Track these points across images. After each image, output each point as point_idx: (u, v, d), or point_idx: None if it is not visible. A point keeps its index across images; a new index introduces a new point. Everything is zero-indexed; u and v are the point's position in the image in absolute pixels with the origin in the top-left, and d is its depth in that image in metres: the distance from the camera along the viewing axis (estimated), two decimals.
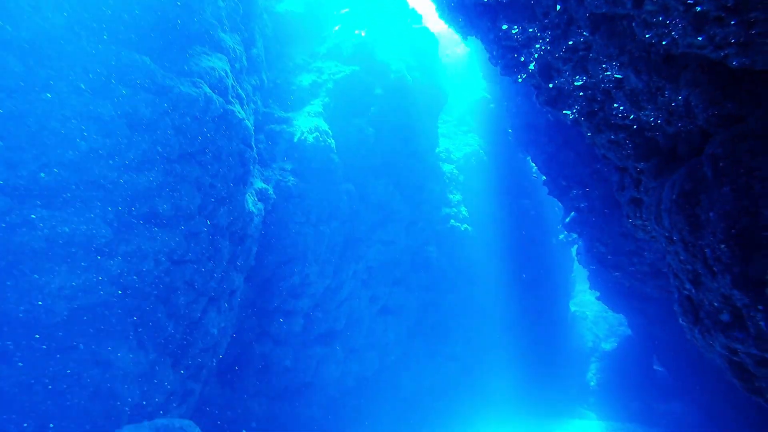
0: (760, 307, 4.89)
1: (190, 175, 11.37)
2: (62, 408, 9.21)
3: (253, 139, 13.79)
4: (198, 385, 12.26)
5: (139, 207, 10.33)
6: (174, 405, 11.31)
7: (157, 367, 10.77)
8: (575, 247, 25.38)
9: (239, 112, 12.89)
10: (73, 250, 9.11)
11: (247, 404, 14.75)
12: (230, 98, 12.66)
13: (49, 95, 8.89)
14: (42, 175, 8.82)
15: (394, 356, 19.52)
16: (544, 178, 18.50)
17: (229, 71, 12.78)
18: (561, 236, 27.84)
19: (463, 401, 20.49)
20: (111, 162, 9.68)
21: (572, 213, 17.50)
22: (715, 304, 5.71)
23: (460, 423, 19.30)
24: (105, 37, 9.86)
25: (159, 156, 10.63)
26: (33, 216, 8.65)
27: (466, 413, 20.02)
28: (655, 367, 24.21)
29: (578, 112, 9.48)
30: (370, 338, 18.54)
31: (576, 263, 26.38)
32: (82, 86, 9.36)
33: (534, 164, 21.26)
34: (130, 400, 10.09)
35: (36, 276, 8.71)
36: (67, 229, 8.91)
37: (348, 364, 17.42)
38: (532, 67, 10.36)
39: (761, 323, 4.94)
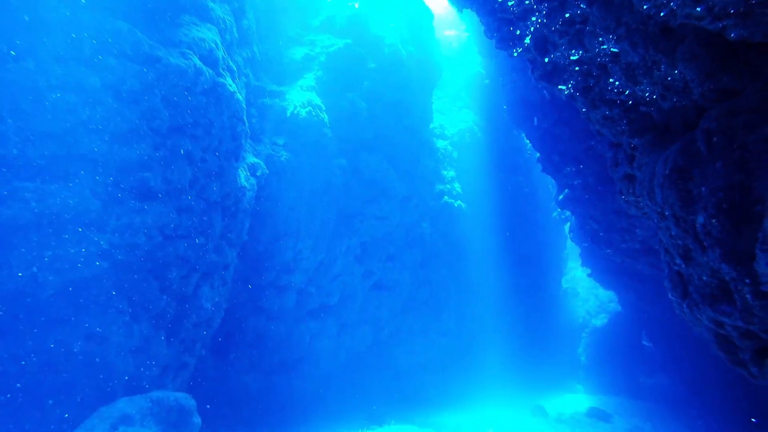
0: (747, 280, 4.94)
1: (181, 149, 11.22)
2: (57, 382, 9.26)
3: (245, 113, 13.58)
4: (192, 359, 12.36)
5: (130, 181, 10.20)
6: (169, 379, 11.42)
7: (151, 341, 10.82)
8: (568, 224, 25.51)
9: (230, 85, 12.66)
10: (63, 224, 9.02)
11: (241, 378, 14.93)
12: (221, 71, 12.41)
13: (30, 64, 8.65)
14: (26, 147, 8.66)
15: (388, 331, 19.73)
16: (538, 155, 18.45)
17: (219, 43, 12.50)
18: (554, 213, 27.95)
19: (455, 376, 20.81)
20: (99, 134, 9.51)
21: (566, 190, 17.52)
22: (704, 278, 5.77)
23: (452, 397, 19.64)
24: (87, 3, 9.56)
25: (148, 129, 10.45)
26: (19, 189, 8.53)
27: (458, 388, 20.35)
28: (644, 342, 24.69)
29: (573, 87, 9.39)
30: (364, 313, 18.71)
31: (568, 240, 26.53)
32: (65, 55, 9.10)
33: (528, 141, 21.18)
34: (124, 373, 10.16)
35: (24, 250, 8.64)
36: (55, 202, 8.80)
37: (341, 339, 17.60)
38: (528, 41, 10.21)
39: (748, 296, 5.00)
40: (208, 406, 12.65)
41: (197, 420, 10.32)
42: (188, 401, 10.27)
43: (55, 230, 8.95)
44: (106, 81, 9.65)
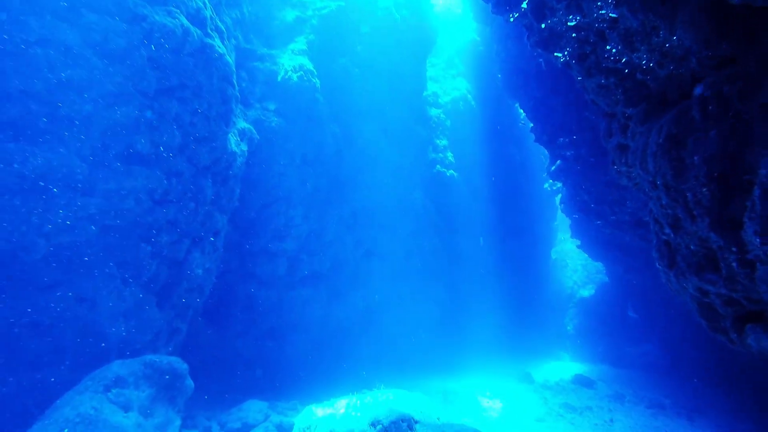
0: (733, 248, 5.01)
1: (170, 112, 10.97)
2: (49, 346, 9.30)
3: (234, 76, 13.26)
4: (184, 324, 12.43)
5: (117, 144, 10.00)
6: (161, 343, 11.51)
7: (142, 306, 10.84)
8: (559, 195, 25.63)
9: (219, 47, 12.31)
10: (49, 187, 8.86)
11: (233, 344, 15.09)
12: (209, 31, 12.03)
13: (3, 15, 8.28)
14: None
15: (379, 298, 19.95)
16: (532, 125, 18.34)
17: (207, 1, 12.08)
18: (546, 185, 28.05)
19: (445, 343, 21.20)
20: (83, 95, 9.24)
21: (558, 161, 17.50)
22: (692, 247, 5.84)
23: (441, 364, 20.05)
24: None
25: (135, 90, 10.18)
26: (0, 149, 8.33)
27: (447, 355, 20.76)
28: (629, 313, 25.25)
29: (569, 54, 9.25)
30: (355, 281, 18.85)
31: (559, 212, 26.71)
32: (41, 8, 8.73)
33: (522, 110, 21.01)
34: (116, 338, 10.22)
35: (10, 212, 8.50)
36: (39, 164, 8.62)
37: (332, 307, 17.78)
38: (525, 6, 9.98)
39: (733, 264, 5.08)
40: (200, 371, 12.81)
41: (190, 383, 10.47)
42: (181, 365, 10.39)
43: (40, 193, 8.80)
44: (87, 39, 9.31)
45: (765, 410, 12.86)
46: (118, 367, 9.28)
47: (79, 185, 9.37)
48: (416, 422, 7.29)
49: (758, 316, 5.50)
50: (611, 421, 13.48)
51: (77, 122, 9.29)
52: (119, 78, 9.84)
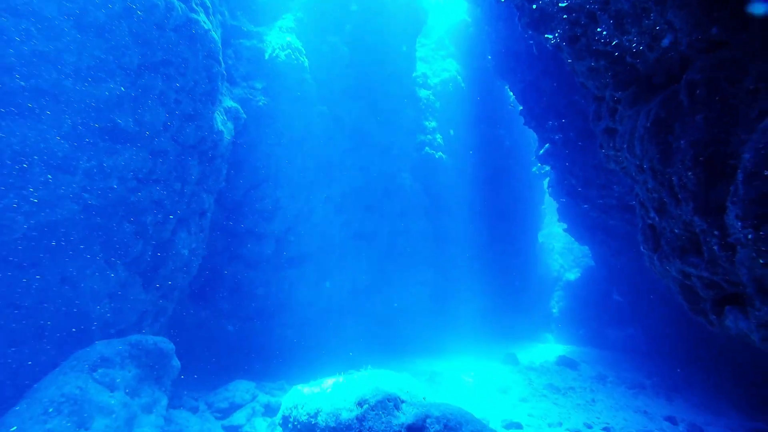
0: (716, 232, 5.07)
1: (153, 89, 10.72)
2: (32, 328, 9.19)
3: (220, 53, 12.97)
4: (170, 304, 12.36)
5: (99, 121, 9.76)
6: (147, 324, 11.45)
7: (127, 287, 10.74)
8: (547, 179, 25.77)
9: (205, 23, 12.00)
10: (27, 164, 8.65)
11: (220, 324, 15.08)
12: (194, 5, 11.71)
13: None
14: None
15: (366, 280, 20.03)
16: (521, 107, 18.30)
17: None
18: (534, 168, 28.14)
19: (432, 325, 21.42)
20: (61, 69, 8.97)
21: (546, 145, 17.54)
22: (676, 231, 5.91)
23: (428, 345, 20.28)
24: None
25: (117, 66, 9.91)
26: None
27: (434, 336, 20.99)
28: (614, 296, 25.70)
29: (560, 36, 9.17)
30: (342, 262, 18.87)
31: (547, 195, 26.90)
32: None
33: (512, 93, 20.93)
34: (101, 318, 10.13)
35: None
36: (16, 140, 8.39)
37: (320, 288, 17.81)
38: None
39: (715, 248, 5.15)
40: (187, 352, 12.80)
41: (176, 363, 10.46)
42: (167, 345, 10.36)
43: (19, 170, 8.59)
44: (64, 9, 8.99)
45: (740, 389, 13.26)
46: (103, 347, 9.22)
47: (61, 163, 9.16)
48: (403, 402, 7.38)
49: (737, 299, 5.61)
50: (593, 401, 13.81)
51: (56, 97, 9.04)
52: (100, 52, 9.56)
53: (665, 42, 5.92)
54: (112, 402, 8.49)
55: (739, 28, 5.17)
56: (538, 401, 13.81)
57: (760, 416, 12.27)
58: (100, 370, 8.85)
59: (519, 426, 11.50)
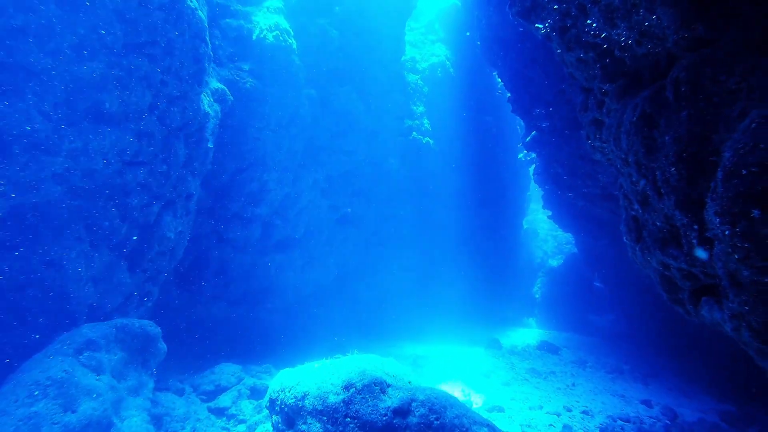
0: (695, 227, 5.23)
1: (138, 70, 10.52)
2: (14, 311, 9.11)
3: (207, 34, 12.72)
4: (156, 288, 12.32)
5: (82, 101, 9.57)
6: (132, 307, 11.41)
7: (112, 270, 10.67)
8: (533, 166, 26.00)
9: (191, 1, 11.74)
10: (7, 144, 8.47)
11: (206, 308, 15.08)
12: None
13: None
14: None
15: (352, 265, 20.14)
16: (509, 95, 18.33)
17: None
18: (520, 155, 28.32)
19: (417, 310, 21.62)
20: (41, 45, 8.74)
21: (533, 132, 17.65)
22: (658, 223, 6.07)
23: (412, 330, 20.52)
24: None
25: (100, 45, 9.68)
26: None
27: (419, 321, 21.20)
28: (596, 284, 26.23)
29: (550, 26, 9.20)
30: (329, 247, 18.92)
31: (532, 182, 27.14)
32: None
33: (500, 80, 20.94)
34: (86, 302, 10.07)
35: None
36: None
37: (306, 272, 17.87)
38: None
39: (694, 241, 5.31)
40: (173, 335, 12.81)
41: (163, 346, 10.49)
42: (153, 328, 10.37)
43: None
44: None
45: (712, 374, 13.78)
46: (88, 330, 9.20)
47: (43, 143, 8.99)
48: (389, 386, 7.53)
49: (712, 290, 5.82)
50: (573, 385, 14.21)
51: (36, 75, 8.82)
52: (82, 30, 9.32)
53: (653, 38, 6.00)
54: (99, 385, 8.51)
55: (724, 27, 5.26)
56: (521, 385, 14.18)
57: (730, 400, 12.79)
58: (85, 353, 8.84)
59: (501, 409, 11.82)
